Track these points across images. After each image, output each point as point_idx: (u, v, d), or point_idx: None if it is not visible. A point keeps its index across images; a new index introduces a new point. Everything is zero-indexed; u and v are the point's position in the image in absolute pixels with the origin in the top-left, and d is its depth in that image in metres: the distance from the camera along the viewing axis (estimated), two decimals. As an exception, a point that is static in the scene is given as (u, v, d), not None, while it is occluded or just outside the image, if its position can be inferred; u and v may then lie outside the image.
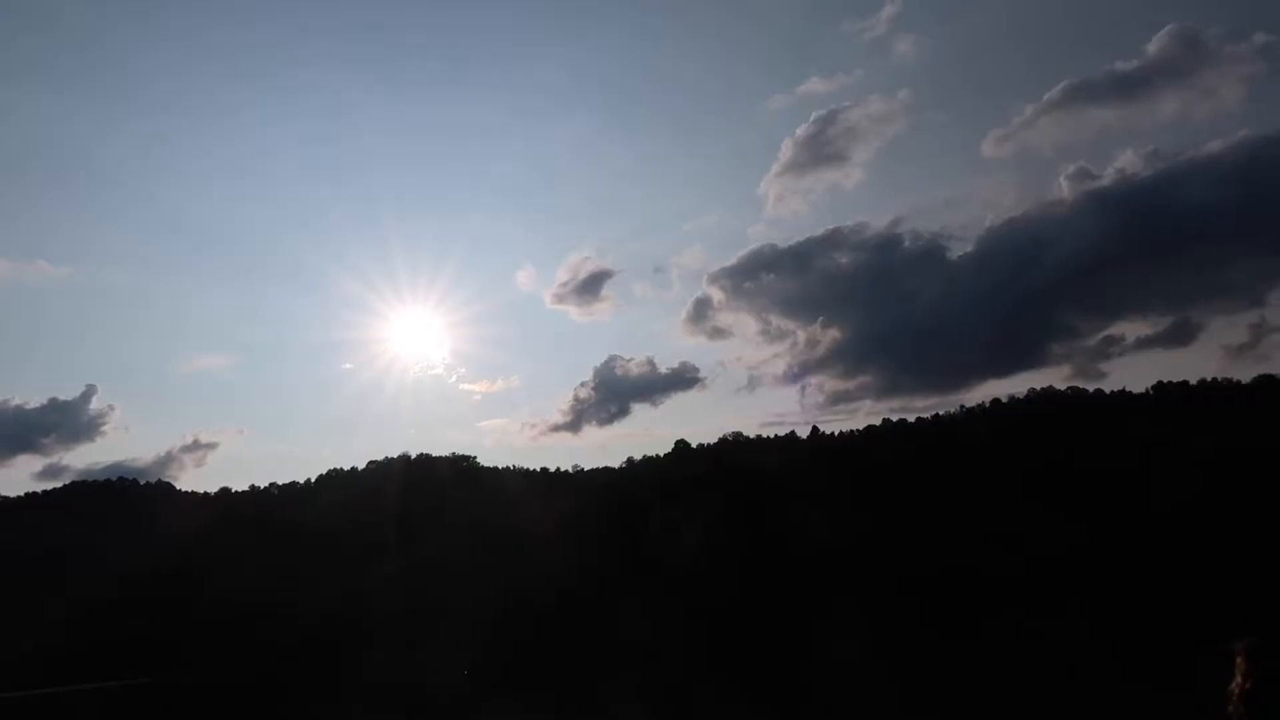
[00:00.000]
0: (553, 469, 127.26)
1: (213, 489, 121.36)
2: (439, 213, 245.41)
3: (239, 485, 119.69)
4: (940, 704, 16.90)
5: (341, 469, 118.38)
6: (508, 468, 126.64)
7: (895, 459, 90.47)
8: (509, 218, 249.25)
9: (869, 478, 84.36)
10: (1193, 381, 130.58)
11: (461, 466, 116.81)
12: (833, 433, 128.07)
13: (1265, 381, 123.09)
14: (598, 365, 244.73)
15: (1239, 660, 5.60)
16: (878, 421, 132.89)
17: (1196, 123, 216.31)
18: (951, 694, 18.59)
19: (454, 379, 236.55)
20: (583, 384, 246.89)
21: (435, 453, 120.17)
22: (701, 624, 56.78)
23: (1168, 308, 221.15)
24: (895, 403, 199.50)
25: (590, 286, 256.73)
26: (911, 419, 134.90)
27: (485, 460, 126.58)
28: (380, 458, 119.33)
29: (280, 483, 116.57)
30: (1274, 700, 5.34)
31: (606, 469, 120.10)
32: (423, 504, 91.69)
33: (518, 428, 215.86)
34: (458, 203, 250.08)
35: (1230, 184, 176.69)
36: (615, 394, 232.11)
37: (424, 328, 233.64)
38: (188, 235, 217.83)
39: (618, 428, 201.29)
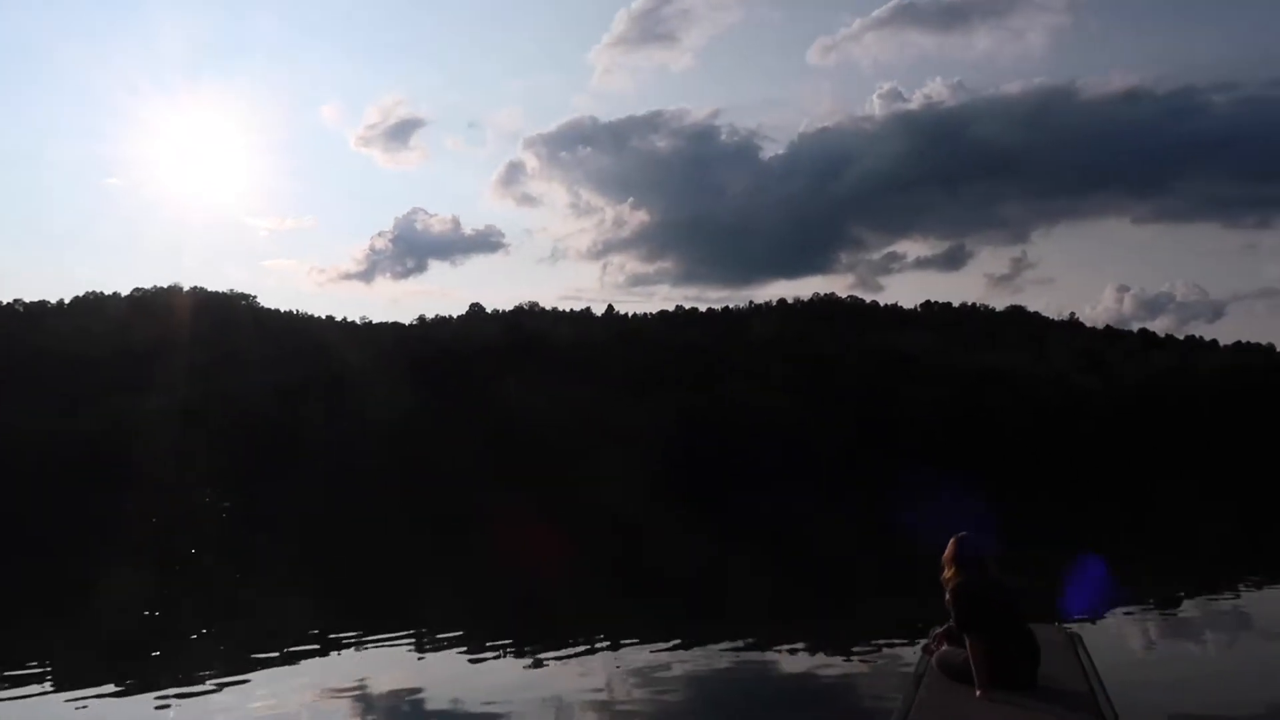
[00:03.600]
0: (339, 318, 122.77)
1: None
2: (230, 17, 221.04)
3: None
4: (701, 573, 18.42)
5: (101, 293, 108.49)
6: (291, 311, 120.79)
7: (686, 344, 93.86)
8: (316, 38, 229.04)
9: (660, 359, 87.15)
10: (956, 304, 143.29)
11: (240, 305, 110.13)
12: (628, 313, 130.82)
13: (1015, 312, 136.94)
14: (399, 216, 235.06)
15: (950, 553, 6.26)
16: (671, 307, 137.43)
17: (1002, 63, 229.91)
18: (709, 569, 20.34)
19: (239, 210, 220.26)
20: (380, 234, 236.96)
21: (211, 287, 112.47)
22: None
23: (947, 233, 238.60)
24: (691, 291, 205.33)
25: (399, 133, 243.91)
26: (703, 308, 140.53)
27: (266, 302, 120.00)
28: (148, 286, 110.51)
29: (27, 300, 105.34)
30: (973, 590, 6.01)
31: (396, 324, 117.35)
32: (195, 340, 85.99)
33: (305, 271, 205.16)
34: (255, 10, 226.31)
35: (1019, 127, 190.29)
36: (414, 248, 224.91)
37: (206, 149, 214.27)
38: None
39: (412, 283, 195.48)
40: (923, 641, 7.54)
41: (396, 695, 8.79)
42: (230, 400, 75.34)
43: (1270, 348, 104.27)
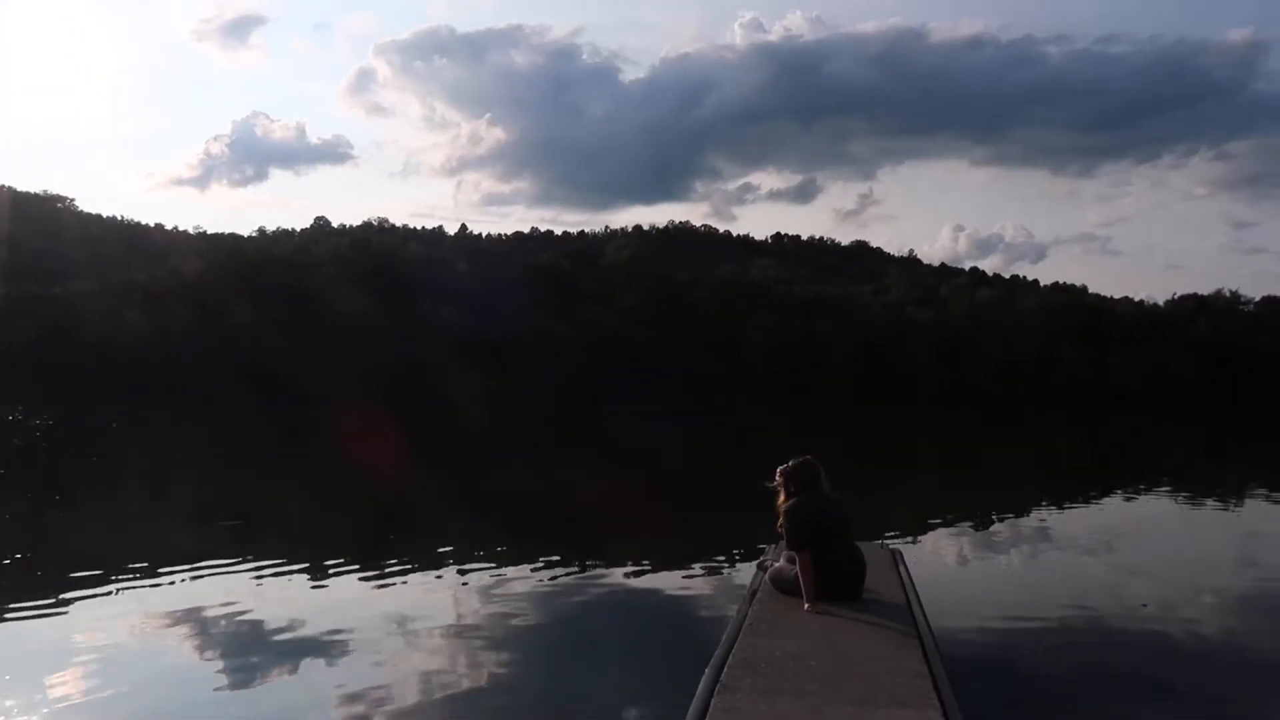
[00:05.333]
0: (170, 226, 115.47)
1: None
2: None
3: None
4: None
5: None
6: (115, 217, 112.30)
7: (540, 267, 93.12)
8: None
9: (513, 280, 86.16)
10: (804, 237, 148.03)
11: (56, 208, 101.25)
12: (482, 233, 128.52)
13: (860, 247, 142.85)
14: (237, 120, 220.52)
15: (783, 477, 6.60)
16: (527, 229, 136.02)
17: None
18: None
19: (56, 104, 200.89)
20: (216, 138, 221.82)
21: (23, 187, 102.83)
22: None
23: (799, 167, 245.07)
24: (547, 213, 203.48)
25: (238, 29, 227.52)
26: (559, 231, 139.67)
27: (87, 206, 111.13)
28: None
29: None
30: (804, 511, 6.39)
31: (234, 235, 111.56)
32: (5, 244, 78.64)
33: (132, 174, 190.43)
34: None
35: (872, 65, 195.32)
36: (254, 155, 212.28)
37: (22, 33, 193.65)
38: None
39: (251, 193, 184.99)
40: (759, 559, 7.95)
41: (233, 620, 8.54)
42: (44, 310, 69.74)
43: (1083, 289, 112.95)
